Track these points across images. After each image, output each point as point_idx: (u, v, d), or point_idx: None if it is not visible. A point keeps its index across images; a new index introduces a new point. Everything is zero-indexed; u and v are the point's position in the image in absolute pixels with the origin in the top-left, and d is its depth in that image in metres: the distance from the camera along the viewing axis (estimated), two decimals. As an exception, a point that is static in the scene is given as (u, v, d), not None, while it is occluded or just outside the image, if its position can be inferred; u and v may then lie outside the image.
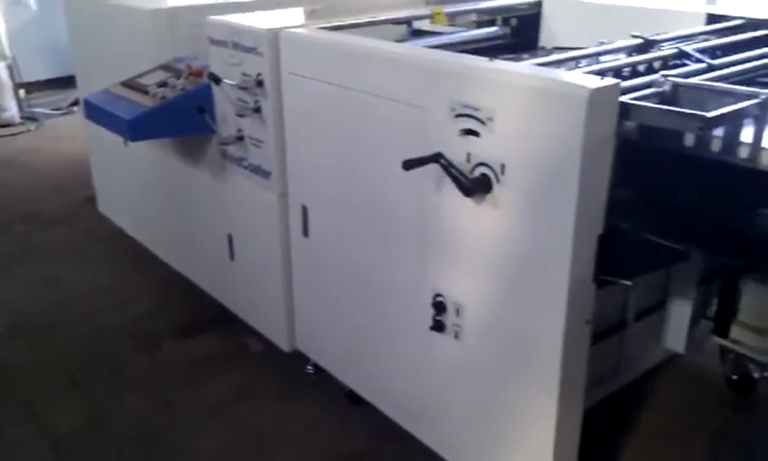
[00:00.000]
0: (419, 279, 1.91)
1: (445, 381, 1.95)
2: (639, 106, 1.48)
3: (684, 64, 1.81)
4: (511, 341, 1.73)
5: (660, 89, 1.59)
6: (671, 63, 1.87)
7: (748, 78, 1.77)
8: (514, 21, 2.68)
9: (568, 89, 1.45)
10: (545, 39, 2.67)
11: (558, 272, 1.55)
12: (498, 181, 1.61)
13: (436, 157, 1.67)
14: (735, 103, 1.47)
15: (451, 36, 2.48)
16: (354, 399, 2.35)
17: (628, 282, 1.63)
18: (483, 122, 1.60)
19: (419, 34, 2.62)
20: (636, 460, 2.21)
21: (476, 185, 1.64)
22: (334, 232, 2.18)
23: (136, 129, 2.40)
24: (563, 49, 2.08)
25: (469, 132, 1.64)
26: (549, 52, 2.13)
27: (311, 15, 2.53)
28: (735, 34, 2.10)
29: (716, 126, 1.42)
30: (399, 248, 1.95)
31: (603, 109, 1.44)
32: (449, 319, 1.86)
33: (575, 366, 1.68)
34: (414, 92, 1.77)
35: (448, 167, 1.65)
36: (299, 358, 2.53)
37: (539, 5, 2.70)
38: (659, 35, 2.04)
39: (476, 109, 1.61)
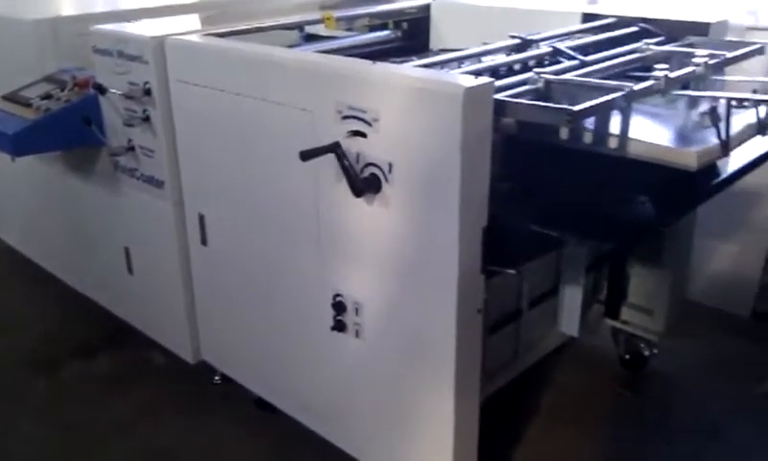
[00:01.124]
0: (318, 280, 1.93)
1: (350, 381, 1.97)
2: (513, 102, 1.55)
3: (559, 62, 1.90)
4: (408, 335, 1.77)
5: (534, 86, 1.67)
6: (546, 61, 1.96)
7: (618, 73, 1.87)
8: (405, 25, 2.73)
9: (445, 89, 1.50)
10: (435, 42, 2.74)
11: (447, 265, 1.60)
12: (387, 180, 1.65)
13: (333, 147, 1.69)
14: (603, 96, 1.55)
15: (343, 41, 2.51)
16: (263, 406, 2.34)
17: (512, 271, 1.70)
18: (369, 123, 1.64)
19: (312, 38, 2.64)
20: (536, 443, 2.30)
21: (366, 185, 1.67)
22: (233, 239, 2.17)
23: (20, 143, 2.31)
24: (449, 51, 2.14)
25: (357, 133, 1.67)
26: (437, 54, 2.19)
27: (201, 22, 2.51)
28: (608, 31, 2.23)
29: (583, 118, 1.51)
30: (298, 251, 1.96)
31: (478, 107, 1.49)
32: (350, 318, 1.88)
33: (470, 354, 1.73)
34: (301, 96, 1.79)
35: (343, 159, 1.67)
36: (205, 369, 2.49)
37: (427, 8, 2.77)
38: (536, 34, 2.14)
39: (362, 111, 1.64)
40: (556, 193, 1.71)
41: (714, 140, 1.61)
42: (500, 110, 1.55)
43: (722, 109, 1.63)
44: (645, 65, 1.84)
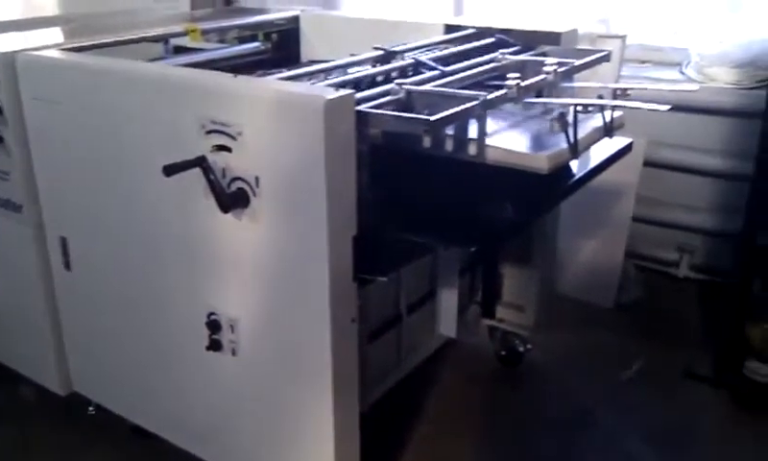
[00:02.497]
0: (191, 299, 1.88)
1: (229, 400, 1.93)
2: (374, 113, 1.58)
3: (421, 72, 1.96)
4: (285, 349, 1.76)
5: (396, 97, 1.70)
6: (410, 72, 2.02)
7: (477, 82, 1.94)
8: (274, 36, 2.72)
9: (306, 101, 1.51)
10: (306, 53, 2.75)
11: (318, 276, 1.61)
12: (255, 194, 1.64)
13: (199, 161, 1.65)
14: (459, 105, 1.61)
15: (211, 53, 2.46)
16: (142, 433, 2.24)
17: (384, 278, 1.73)
18: (233, 137, 1.62)
19: (180, 51, 2.57)
20: (421, 444, 2.35)
21: (233, 200, 1.65)
22: (99, 262, 2.08)
23: None
24: (317, 62, 2.15)
25: (222, 147, 1.65)
26: (305, 65, 2.20)
27: (63, 35, 2.40)
28: (468, 42, 2.31)
29: (440, 127, 1.55)
30: (167, 270, 1.91)
31: (340, 118, 1.51)
32: (225, 336, 1.85)
33: (347, 364, 1.74)
34: (164, 111, 1.75)
35: (209, 173, 1.64)
36: (78, 401, 2.36)
37: (296, 20, 2.77)
38: (399, 45, 2.19)
39: (225, 125, 1.62)
40: (422, 200, 1.76)
41: (564, 144, 1.71)
42: (363, 121, 1.57)
43: (570, 115, 1.73)
44: (501, 74, 1.92)
